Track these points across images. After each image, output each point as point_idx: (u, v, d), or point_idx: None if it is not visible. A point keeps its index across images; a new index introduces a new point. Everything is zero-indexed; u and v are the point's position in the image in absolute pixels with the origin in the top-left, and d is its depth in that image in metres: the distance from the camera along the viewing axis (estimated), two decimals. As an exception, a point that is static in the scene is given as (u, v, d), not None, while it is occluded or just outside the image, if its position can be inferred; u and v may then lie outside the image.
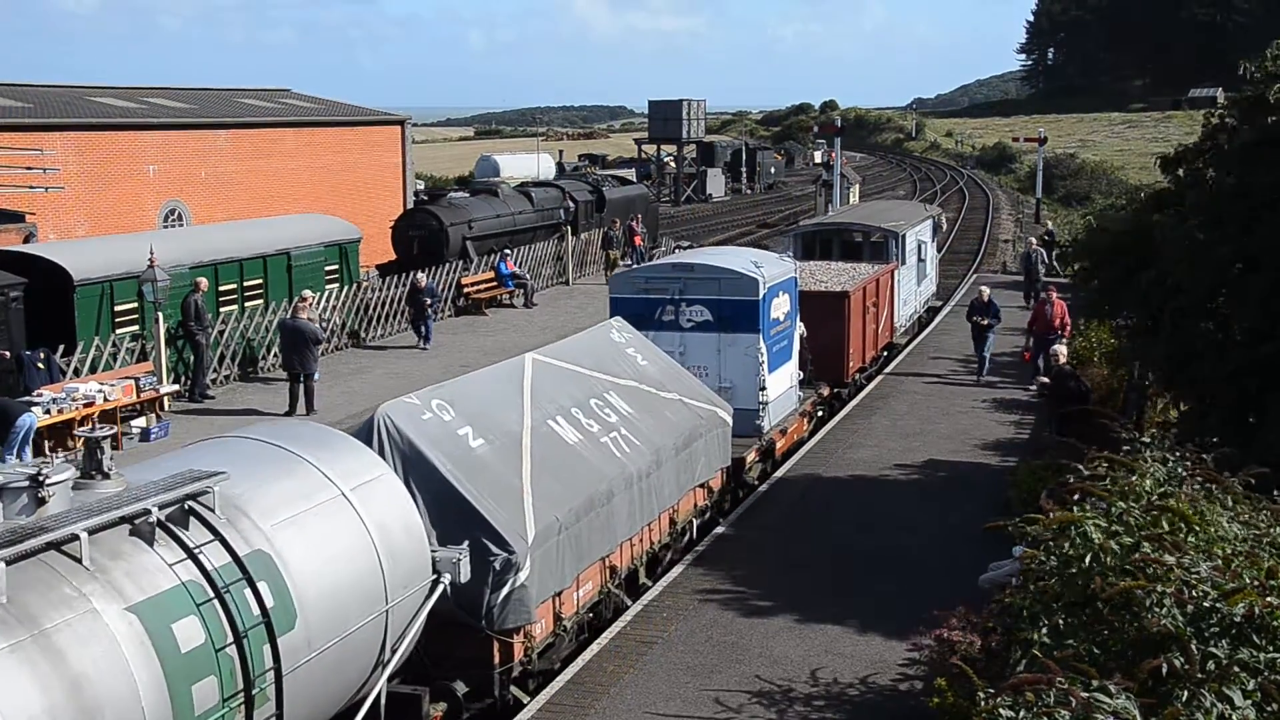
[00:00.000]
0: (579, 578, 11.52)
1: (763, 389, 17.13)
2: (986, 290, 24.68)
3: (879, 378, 24.16)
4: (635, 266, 19.38)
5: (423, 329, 27.86)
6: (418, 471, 10.15)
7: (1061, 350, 18.33)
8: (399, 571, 8.89)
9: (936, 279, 33.54)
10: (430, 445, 10.36)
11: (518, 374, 12.45)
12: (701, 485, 14.75)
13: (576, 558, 11.35)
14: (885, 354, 25.33)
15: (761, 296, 17.00)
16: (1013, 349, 25.95)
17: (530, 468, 11.10)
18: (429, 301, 27.86)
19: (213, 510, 7.72)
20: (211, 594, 7.24)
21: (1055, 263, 39.01)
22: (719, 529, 15.44)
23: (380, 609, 8.71)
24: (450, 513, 10.07)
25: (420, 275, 28.49)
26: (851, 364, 21.74)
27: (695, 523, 14.79)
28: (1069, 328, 22.57)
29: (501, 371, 12.70)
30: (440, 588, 9.38)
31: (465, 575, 9.54)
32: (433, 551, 9.42)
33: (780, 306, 18.00)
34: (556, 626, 11.16)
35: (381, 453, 10.00)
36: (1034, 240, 35.35)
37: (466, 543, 9.77)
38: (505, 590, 10.07)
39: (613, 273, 30.01)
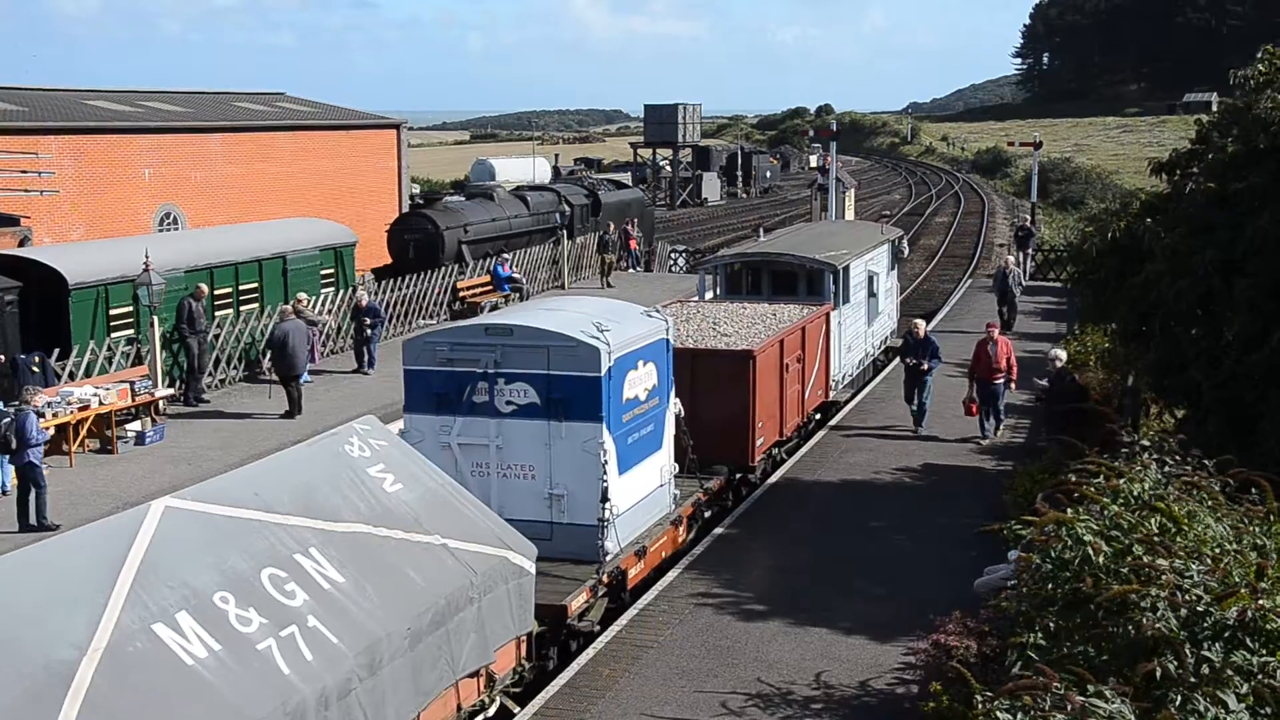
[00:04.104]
0: None
1: (605, 500, 12.58)
2: (922, 325, 21.02)
3: (808, 444, 19.67)
4: (438, 328, 14.07)
5: (365, 353, 25.36)
6: None
7: (1060, 354, 18.37)
8: None
9: (896, 314, 28.41)
10: None
11: (122, 541, 7.52)
12: (474, 675, 9.73)
13: None
14: (818, 417, 20.67)
15: (605, 371, 12.62)
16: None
17: None
18: (369, 322, 25.30)
19: None
20: None
21: (1033, 263, 37.87)
22: (718, 529, 15.45)
23: None
24: None
25: (362, 293, 26.09)
26: (761, 440, 17.01)
27: None
28: (1016, 370, 19.71)
29: (90, 539, 7.68)
30: None
31: None
32: None
33: (640, 381, 13.59)
34: None
35: None
36: (1010, 258, 31.97)
37: None
38: None
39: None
